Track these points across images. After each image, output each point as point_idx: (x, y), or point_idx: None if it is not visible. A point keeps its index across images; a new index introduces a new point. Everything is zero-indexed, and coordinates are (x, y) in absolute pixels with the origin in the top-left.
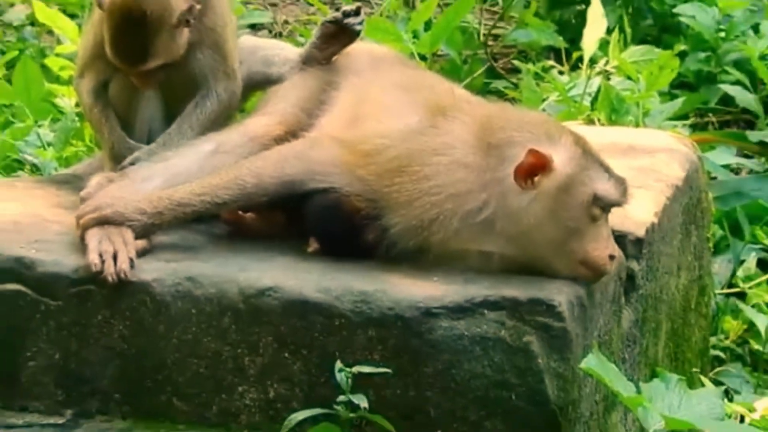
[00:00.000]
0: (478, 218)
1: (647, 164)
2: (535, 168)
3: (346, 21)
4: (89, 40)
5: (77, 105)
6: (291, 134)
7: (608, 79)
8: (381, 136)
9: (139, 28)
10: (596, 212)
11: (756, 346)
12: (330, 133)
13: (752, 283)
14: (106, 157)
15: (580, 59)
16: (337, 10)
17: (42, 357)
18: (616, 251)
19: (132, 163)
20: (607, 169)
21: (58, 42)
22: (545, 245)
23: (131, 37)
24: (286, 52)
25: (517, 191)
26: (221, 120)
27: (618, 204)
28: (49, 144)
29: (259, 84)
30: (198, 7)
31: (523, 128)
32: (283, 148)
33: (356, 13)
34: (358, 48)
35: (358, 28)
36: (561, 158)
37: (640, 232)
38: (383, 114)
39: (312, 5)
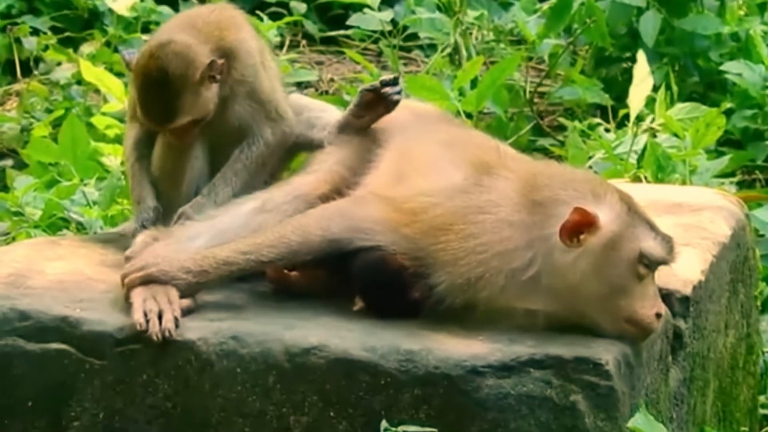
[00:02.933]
0: (524, 276)
1: (694, 222)
2: (580, 226)
3: (384, 90)
4: (129, 108)
5: (122, 163)
6: (336, 192)
7: (654, 136)
8: (426, 194)
9: (163, 88)
10: (642, 270)
11: None
12: (375, 191)
13: None
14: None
15: (627, 117)
16: (384, 68)
17: (87, 416)
18: (663, 309)
19: (179, 218)
20: (653, 227)
21: (105, 100)
22: (591, 303)
23: (156, 97)
24: (328, 115)
25: (563, 249)
26: (273, 162)
27: (664, 262)
28: (94, 202)
29: (302, 146)
30: (221, 62)
31: (568, 186)
32: (328, 206)
33: (395, 82)
34: (402, 106)
35: (396, 98)
36: (607, 216)
37: (687, 290)
38: (428, 171)
39: (358, 63)
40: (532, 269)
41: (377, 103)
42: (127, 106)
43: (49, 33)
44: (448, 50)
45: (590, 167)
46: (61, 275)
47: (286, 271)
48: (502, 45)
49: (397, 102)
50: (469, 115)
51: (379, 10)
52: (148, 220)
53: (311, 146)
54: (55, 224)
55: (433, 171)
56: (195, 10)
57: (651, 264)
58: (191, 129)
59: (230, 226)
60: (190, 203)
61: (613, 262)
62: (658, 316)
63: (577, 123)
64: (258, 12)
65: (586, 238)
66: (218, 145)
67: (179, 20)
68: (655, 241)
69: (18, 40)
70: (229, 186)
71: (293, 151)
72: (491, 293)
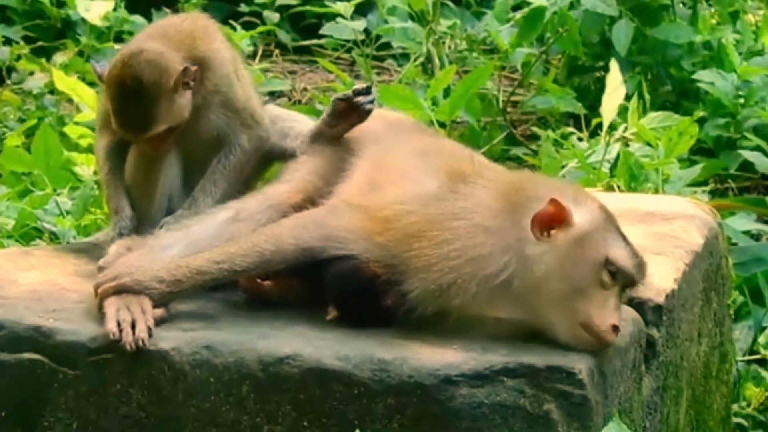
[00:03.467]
0: (496, 281)
1: (666, 231)
2: (553, 218)
3: (357, 99)
4: (102, 104)
5: (95, 173)
6: (309, 201)
7: (627, 145)
8: (400, 201)
9: (138, 97)
10: (606, 277)
11: None
12: (348, 200)
13: None
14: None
15: (599, 126)
16: (357, 77)
17: (60, 426)
18: (620, 325)
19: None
20: (625, 240)
21: (78, 110)
22: (551, 302)
23: (131, 106)
24: (300, 125)
25: (534, 242)
26: (249, 170)
27: (630, 276)
28: (67, 212)
29: (276, 155)
30: (194, 68)
31: (550, 187)
32: (301, 215)
33: (367, 91)
34: (375, 115)
35: (368, 107)
36: (581, 216)
37: (660, 299)
38: (402, 180)
39: (331, 72)
40: (504, 273)
41: (350, 112)
42: (97, 116)
43: (22, 42)
44: (421, 59)
45: (563, 176)
46: (34, 285)
47: (259, 280)
48: (474, 54)
49: (369, 111)
50: (442, 124)
51: (352, 19)
52: (126, 229)
53: (284, 156)
54: (28, 234)
55: (406, 179)
56: (167, 20)
57: (616, 273)
58: (166, 138)
59: (204, 235)
60: (173, 215)
61: (578, 260)
62: (615, 329)
63: (550, 132)
64: (231, 21)
65: (557, 234)
66: (191, 154)
67: (151, 30)
68: (624, 251)
69: None
70: (210, 197)
71: (267, 160)
72: (463, 300)
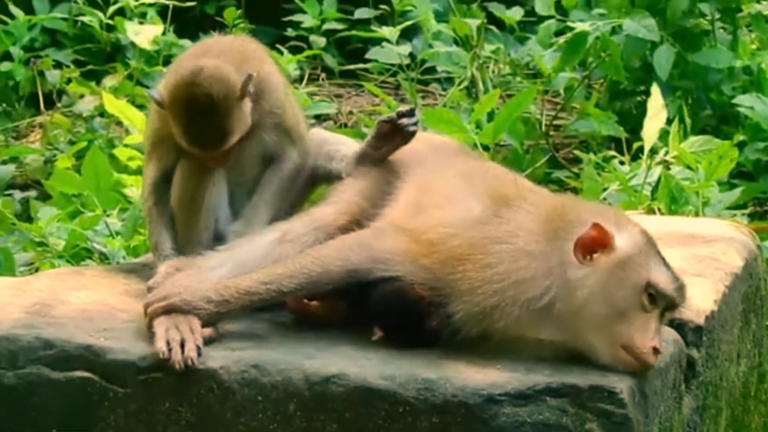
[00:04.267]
0: (539, 304)
1: (706, 253)
2: (596, 243)
3: (401, 121)
4: (149, 129)
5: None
6: (355, 223)
7: (668, 168)
8: (444, 225)
9: (211, 113)
10: (647, 301)
11: None
12: (393, 222)
13: None
14: (179, 238)
15: (641, 149)
16: (402, 101)
17: None
18: (661, 347)
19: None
20: (666, 264)
21: (127, 133)
22: (593, 324)
23: (205, 123)
24: (346, 148)
25: (577, 266)
26: (298, 189)
27: (671, 300)
28: (117, 233)
29: (322, 177)
30: (254, 74)
31: (592, 211)
32: (347, 237)
33: (411, 113)
34: (420, 138)
35: (412, 129)
36: (623, 240)
37: (700, 320)
38: (446, 203)
39: (376, 96)
40: (547, 297)
41: (394, 134)
42: (145, 141)
43: (72, 66)
44: (465, 83)
45: (605, 199)
46: (84, 305)
47: (306, 301)
48: (518, 78)
49: (413, 133)
50: (486, 148)
51: (398, 43)
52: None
53: (330, 178)
54: (78, 254)
55: (451, 203)
56: (213, 40)
57: (657, 297)
58: (232, 150)
59: (251, 256)
60: (240, 221)
61: (620, 284)
62: (656, 351)
63: (592, 155)
64: (278, 46)
65: (599, 257)
66: (238, 173)
67: (195, 50)
68: (665, 275)
69: (41, 74)
70: (270, 207)
71: (313, 182)
72: (507, 323)
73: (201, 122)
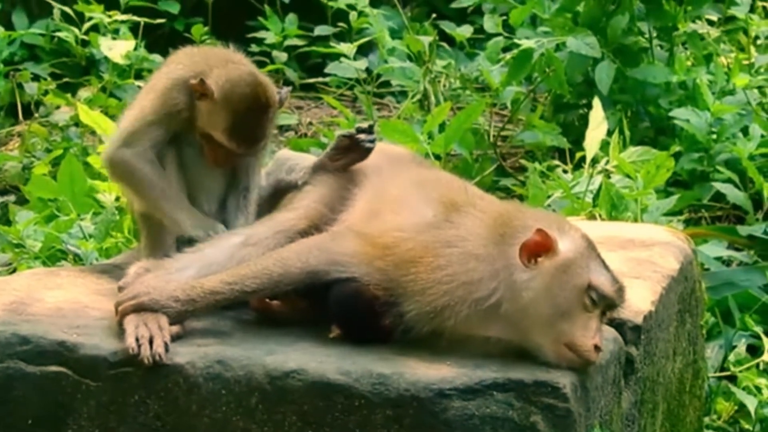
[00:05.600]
0: (485, 304)
1: (645, 256)
2: (539, 247)
3: (359, 137)
4: (146, 109)
5: (117, 199)
6: (314, 228)
7: (609, 177)
8: (398, 229)
9: (265, 113)
10: (588, 302)
11: (746, 426)
12: (351, 227)
13: (742, 367)
14: (144, 245)
15: (583, 159)
16: (359, 113)
17: None
18: (602, 345)
19: (188, 243)
20: (606, 267)
21: (100, 142)
22: (538, 324)
23: (256, 121)
24: (306, 161)
25: (522, 269)
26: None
27: (611, 300)
28: (90, 236)
29: (283, 190)
30: (288, 90)
31: (536, 218)
32: (307, 240)
33: (369, 131)
34: (377, 148)
35: (369, 145)
36: (566, 244)
37: (639, 320)
38: (400, 209)
39: (335, 108)
40: (494, 298)
41: (352, 148)
42: (132, 121)
43: (49, 79)
44: (418, 96)
45: (549, 206)
46: (59, 303)
47: (268, 300)
48: (468, 92)
49: (369, 149)
50: (437, 157)
51: (355, 59)
52: (219, 228)
53: (289, 188)
54: (54, 256)
55: (404, 208)
56: (196, 49)
57: (598, 298)
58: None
59: (216, 258)
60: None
61: (562, 286)
62: (597, 349)
63: (537, 164)
64: None
65: (543, 261)
66: (212, 177)
67: (197, 58)
68: (605, 277)
69: (20, 85)
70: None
71: (276, 195)
72: (456, 321)
73: (253, 119)
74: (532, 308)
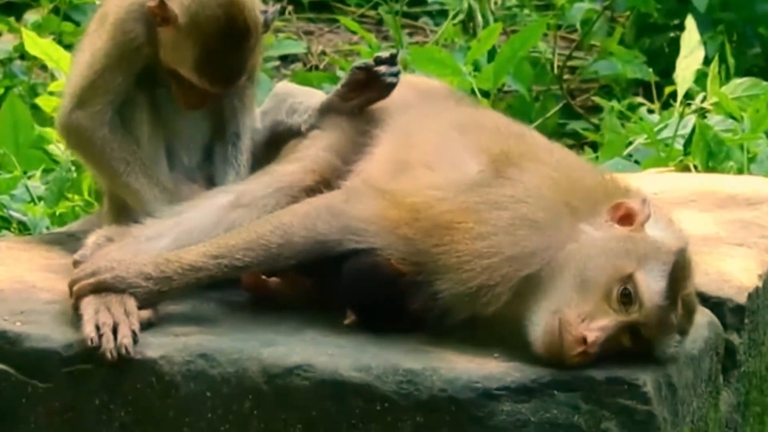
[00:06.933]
0: (533, 282)
1: (750, 217)
2: (630, 216)
3: (378, 69)
4: (97, 52)
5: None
6: (324, 184)
7: (705, 117)
8: (432, 187)
9: (243, 42)
10: (616, 293)
11: None
12: (369, 182)
13: None
14: (108, 209)
15: (673, 95)
16: (385, 38)
17: None
18: (592, 348)
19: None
20: (671, 285)
21: (52, 78)
22: (558, 285)
23: (235, 51)
24: (311, 99)
25: (596, 224)
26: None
27: (645, 313)
28: (39, 198)
29: (283, 135)
30: (276, 8)
31: (631, 189)
32: (314, 200)
33: (392, 61)
34: (405, 82)
35: (389, 80)
36: (654, 229)
37: (741, 299)
38: (435, 161)
39: (354, 33)
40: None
41: (369, 84)
42: (82, 77)
43: None
44: (461, 17)
45: (630, 155)
46: None
47: (264, 277)
48: (525, 10)
49: (392, 85)
50: (485, 94)
51: None
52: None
53: (290, 134)
54: None
55: (441, 160)
56: None
57: (631, 298)
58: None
59: (199, 224)
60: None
61: (608, 258)
62: (584, 345)
63: (614, 103)
64: None
65: (617, 228)
66: (187, 121)
67: None
68: (657, 285)
69: None
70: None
71: (274, 143)
72: (497, 307)
73: (228, 49)
74: (568, 266)
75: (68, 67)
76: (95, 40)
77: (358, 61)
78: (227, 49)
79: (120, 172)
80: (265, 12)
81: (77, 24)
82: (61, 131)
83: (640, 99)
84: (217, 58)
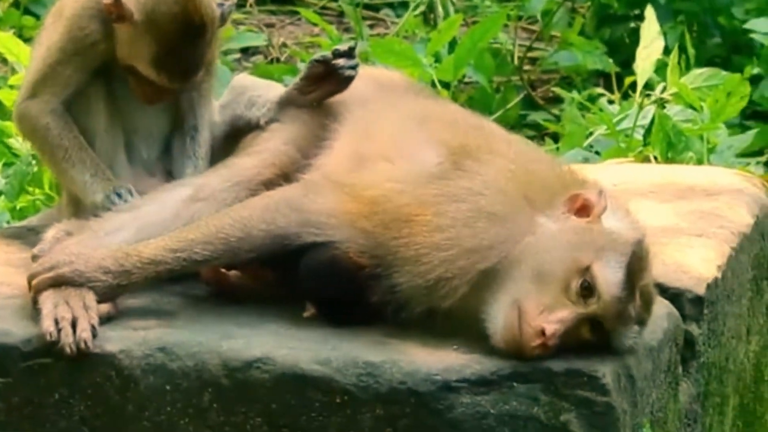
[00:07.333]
0: (488, 272)
1: (709, 208)
2: (587, 207)
3: (336, 62)
4: (53, 46)
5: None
6: (283, 177)
7: (664, 108)
8: (391, 179)
9: (199, 37)
10: (574, 285)
11: None
12: (329, 176)
13: None
14: (66, 202)
15: (633, 86)
16: (346, 30)
17: None
18: (550, 341)
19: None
20: (628, 277)
21: (13, 71)
22: (517, 276)
23: (192, 47)
24: (270, 92)
25: (546, 214)
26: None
27: (603, 305)
28: (0, 192)
29: (242, 129)
30: (233, 3)
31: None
32: (273, 194)
33: (350, 54)
34: (363, 74)
35: (348, 73)
36: (612, 221)
37: (700, 290)
38: (395, 153)
39: (315, 25)
40: (501, 264)
41: (328, 77)
42: (36, 68)
43: None
44: (422, 8)
45: (590, 146)
46: None
47: (224, 270)
48: (486, 1)
49: (350, 78)
50: (446, 85)
51: None
52: (124, 191)
53: (250, 127)
54: None
55: (400, 152)
56: None
57: (587, 290)
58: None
59: (158, 217)
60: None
61: (566, 249)
62: (543, 337)
63: (575, 94)
64: None
65: (573, 219)
66: (144, 115)
67: None
68: (614, 278)
69: None
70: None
71: (232, 135)
72: (453, 300)
73: (185, 45)
74: (525, 259)
75: (28, 61)
76: (51, 33)
77: (317, 54)
78: (184, 45)
79: (58, 159)
80: (221, 5)
81: (37, 18)
82: (15, 120)
83: (600, 90)
84: (174, 55)
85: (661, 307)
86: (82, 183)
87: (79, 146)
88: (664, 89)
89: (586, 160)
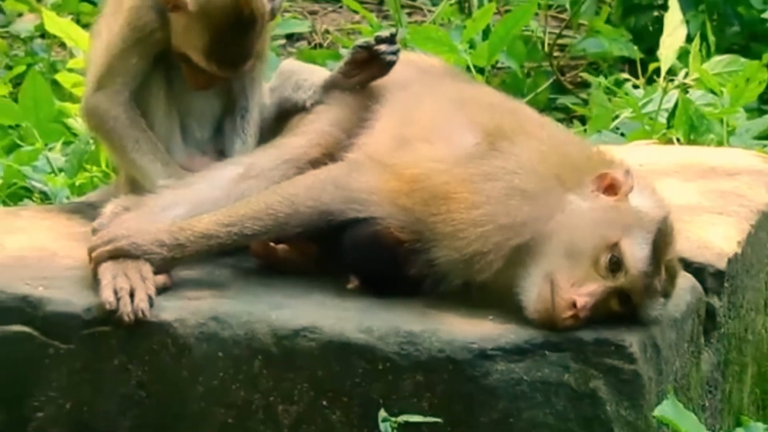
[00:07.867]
0: (524, 251)
1: (730, 188)
2: (614, 185)
3: (378, 48)
4: (114, 37)
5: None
6: (328, 156)
7: (687, 92)
8: (431, 159)
9: (250, 28)
10: (603, 260)
11: None
12: (372, 156)
13: None
14: (124, 180)
15: (657, 71)
16: (386, 17)
17: (51, 407)
18: (582, 312)
19: None
20: (655, 252)
21: (71, 55)
22: (548, 251)
23: (240, 39)
24: (315, 76)
25: (576, 192)
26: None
27: (631, 278)
28: (60, 170)
29: (288, 110)
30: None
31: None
32: (319, 172)
33: (391, 40)
34: (404, 59)
35: (389, 58)
36: (639, 200)
37: (721, 264)
38: (434, 135)
39: (356, 12)
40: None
41: (370, 62)
42: (101, 61)
43: None
44: None
45: (616, 128)
46: (21, 250)
47: (273, 244)
48: None
49: (392, 63)
50: (480, 70)
51: None
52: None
53: (296, 109)
54: (15, 194)
55: (439, 134)
56: None
57: (616, 264)
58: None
59: (210, 194)
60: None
61: (596, 227)
62: (574, 309)
63: (601, 79)
64: None
65: (602, 197)
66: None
67: None
68: (642, 254)
69: None
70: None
71: (280, 116)
72: (488, 275)
73: (236, 36)
74: (557, 235)
75: (86, 45)
76: (111, 24)
77: (360, 40)
78: (235, 36)
79: (128, 149)
80: (272, 0)
81: (94, 4)
82: (84, 115)
83: (625, 75)
84: (224, 45)
85: (685, 280)
86: (152, 172)
87: (148, 137)
88: (686, 75)
89: (611, 142)
